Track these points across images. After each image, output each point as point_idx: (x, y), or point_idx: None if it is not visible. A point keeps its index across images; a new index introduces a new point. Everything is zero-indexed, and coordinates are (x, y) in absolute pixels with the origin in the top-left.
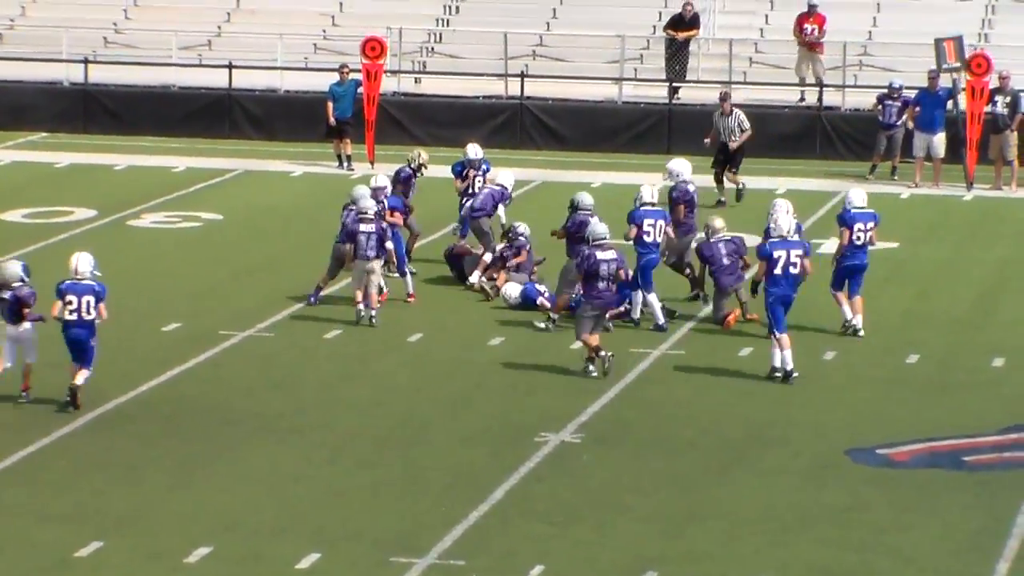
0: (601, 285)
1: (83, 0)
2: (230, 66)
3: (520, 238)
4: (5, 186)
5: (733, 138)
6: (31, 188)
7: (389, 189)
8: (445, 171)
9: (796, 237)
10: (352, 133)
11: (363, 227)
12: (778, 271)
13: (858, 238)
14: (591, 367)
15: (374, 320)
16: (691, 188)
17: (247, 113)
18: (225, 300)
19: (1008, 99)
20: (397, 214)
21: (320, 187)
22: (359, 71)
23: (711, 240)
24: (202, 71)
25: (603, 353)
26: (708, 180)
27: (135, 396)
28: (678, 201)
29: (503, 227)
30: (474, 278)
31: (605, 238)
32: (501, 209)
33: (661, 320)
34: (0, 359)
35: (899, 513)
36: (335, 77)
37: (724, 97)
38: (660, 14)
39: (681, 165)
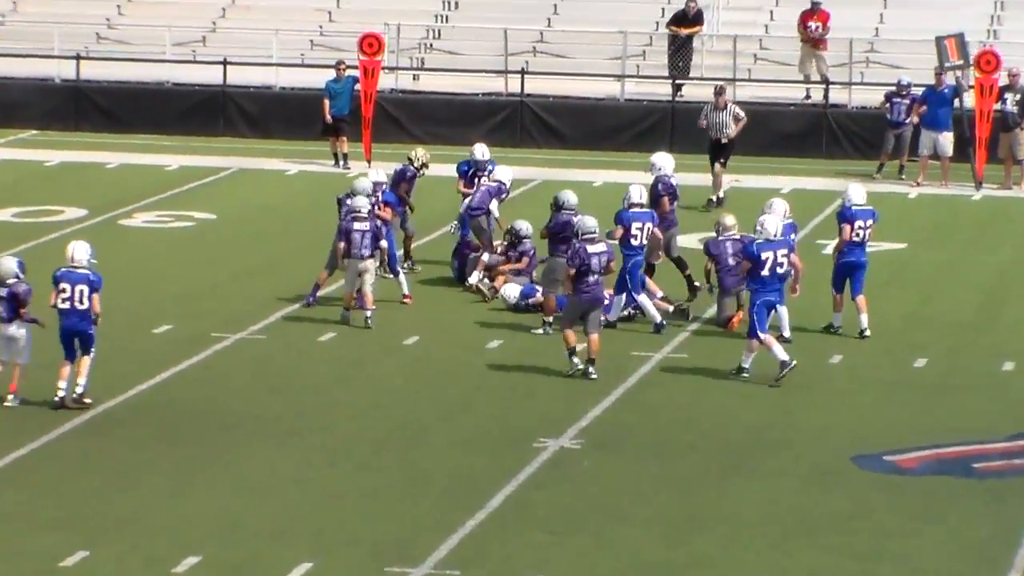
0: (591, 279)
1: None
2: (225, 62)
3: (525, 242)
4: None
5: (726, 133)
6: (21, 187)
7: (387, 185)
8: (443, 170)
9: (781, 236)
10: (349, 131)
11: (357, 225)
12: (766, 272)
13: (857, 235)
14: (575, 360)
15: (370, 321)
16: (674, 181)
17: (242, 110)
18: (218, 302)
19: (1018, 96)
20: (388, 209)
21: (316, 186)
22: (356, 68)
23: (720, 238)
24: (196, 68)
25: (591, 369)
26: (694, 179)
27: (127, 399)
28: (662, 194)
29: (505, 231)
30: (473, 278)
31: (595, 232)
32: (494, 204)
33: (658, 319)
34: None
35: (905, 520)
36: (332, 74)
37: (720, 91)
38: (663, 10)
39: (664, 159)
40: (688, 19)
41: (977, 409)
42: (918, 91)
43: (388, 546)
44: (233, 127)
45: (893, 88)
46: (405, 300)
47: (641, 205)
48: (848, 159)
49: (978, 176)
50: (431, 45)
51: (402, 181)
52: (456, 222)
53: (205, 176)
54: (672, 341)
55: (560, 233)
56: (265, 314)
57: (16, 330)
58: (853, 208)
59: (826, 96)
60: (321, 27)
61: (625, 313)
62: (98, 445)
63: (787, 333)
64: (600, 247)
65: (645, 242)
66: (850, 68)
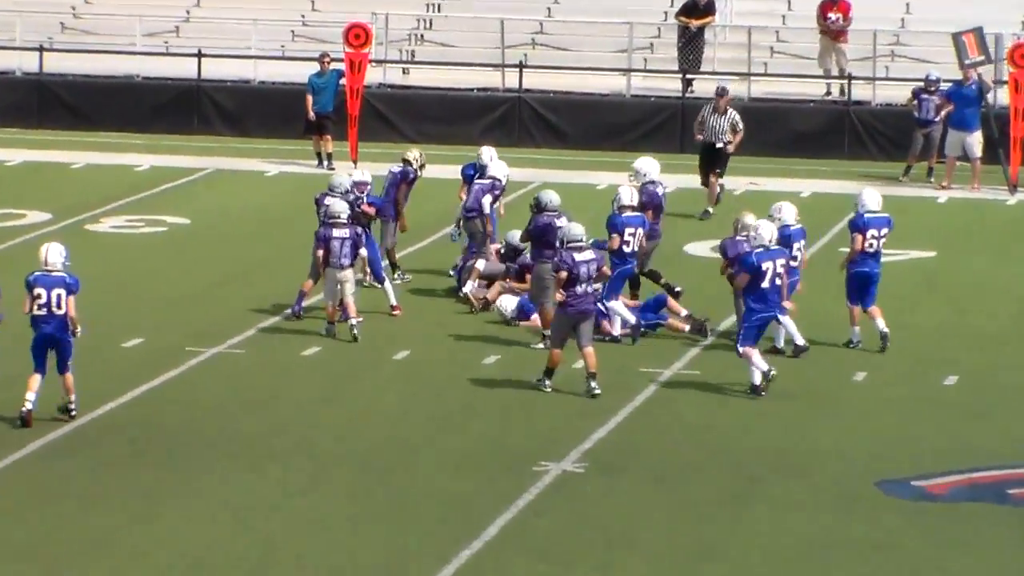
0: (579, 289)
1: None
2: (199, 55)
3: (526, 254)
4: None
5: (723, 139)
6: None
7: (371, 187)
8: (433, 171)
9: (777, 244)
10: (333, 129)
11: (336, 232)
12: (765, 284)
13: (870, 245)
14: (547, 382)
15: (356, 331)
16: (660, 191)
17: (218, 106)
18: (193, 313)
19: None
20: (372, 207)
21: (298, 188)
22: (341, 61)
23: (737, 237)
24: (168, 60)
25: (593, 384)
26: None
27: (95, 418)
28: (646, 206)
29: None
30: (468, 287)
31: (582, 239)
32: (487, 201)
33: (631, 319)
34: None
35: (936, 550)
36: (315, 67)
37: (721, 92)
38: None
39: (649, 164)
40: (699, 9)
41: (1012, 430)
42: (948, 86)
43: None
44: (208, 124)
45: (921, 84)
46: (394, 312)
47: (633, 208)
48: (872, 160)
49: (1012, 179)
50: (422, 36)
51: (403, 183)
52: (456, 228)
53: (178, 177)
54: (683, 357)
55: (542, 236)
56: (244, 326)
57: None
58: (867, 216)
59: (848, 92)
60: (303, 16)
61: (628, 330)
62: (64, 467)
63: (800, 340)
64: (588, 255)
65: (637, 249)
66: (874, 62)
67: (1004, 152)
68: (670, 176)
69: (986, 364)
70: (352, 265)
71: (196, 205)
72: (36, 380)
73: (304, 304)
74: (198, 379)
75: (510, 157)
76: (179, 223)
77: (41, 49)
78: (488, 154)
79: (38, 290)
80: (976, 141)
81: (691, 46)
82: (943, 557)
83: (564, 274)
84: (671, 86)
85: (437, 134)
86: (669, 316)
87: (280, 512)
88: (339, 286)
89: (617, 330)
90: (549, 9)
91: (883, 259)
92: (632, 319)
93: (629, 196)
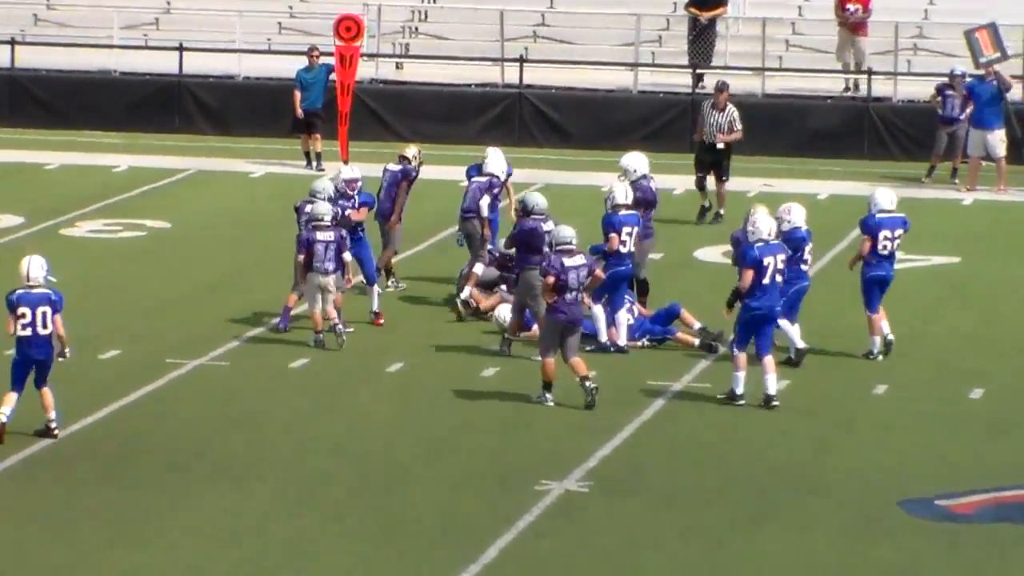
0: (569, 296)
1: None
2: (180, 48)
3: None
4: None
5: (720, 137)
6: None
7: (361, 183)
8: (431, 172)
9: (776, 239)
10: (323, 127)
11: (320, 235)
12: (767, 280)
13: (884, 247)
14: (547, 396)
15: (342, 338)
16: (653, 186)
17: (200, 103)
18: (174, 322)
19: None
20: (363, 210)
21: (285, 190)
22: (331, 55)
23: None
24: (148, 54)
25: (588, 384)
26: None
27: (68, 435)
28: (640, 203)
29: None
30: (464, 295)
31: (571, 243)
32: (485, 202)
33: (603, 338)
34: None
35: (961, 574)
36: (303, 62)
37: (722, 88)
38: None
39: (639, 160)
40: (710, 0)
41: None
42: (970, 81)
43: None
44: (190, 122)
45: (945, 79)
46: (377, 321)
47: (627, 206)
48: (893, 160)
49: None
50: (416, 29)
51: (404, 181)
52: (459, 232)
53: (158, 179)
54: (693, 369)
55: (527, 241)
56: (227, 337)
57: None
58: (879, 216)
59: (868, 88)
60: (291, 8)
61: (640, 344)
62: (34, 487)
63: (800, 344)
64: (578, 260)
65: (633, 249)
66: (895, 56)
67: None
68: (680, 177)
69: (1014, 376)
70: (336, 270)
71: (177, 208)
72: (12, 397)
73: (291, 316)
74: (179, 393)
75: (509, 157)
76: (159, 227)
77: (13, 43)
78: (494, 158)
79: (22, 309)
80: (998, 140)
81: (702, 39)
82: None
83: (551, 279)
84: (680, 81)
85: (433, 133)
86: (678, 329)
87: (266, 535)
88: (322, 293)
89: (624, 339)
90: (551, 0)
91: (905, 265)
92: (604, 338)
93: (624, 193)
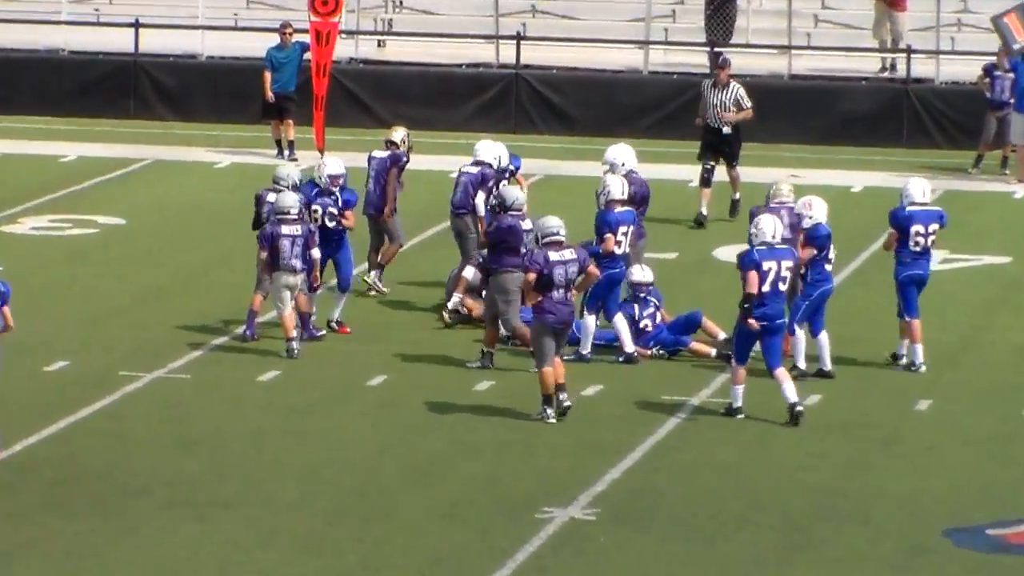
0: (557, 295)
1: None
2: (136, 24)
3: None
4: None
5: (726, 120)
6: None
7: (346, 178)
8: (417, 162)
9: (781, 242)
10: (296, 112)
11: (285, 229)
12: (766, 287)
13: (916, 244)
14: (548, 411)
15: (296, 349)
16: (643, 179)
17: (158, 86)
18: (128, 330)
19: None
20: (349, 214)
21: (253, 182)
22: (306, 32)
23: (771, 204)
24: (100, 31)
25: (563, 396)
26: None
27: (9, 458)
28: (634, 199)
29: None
30: (454, 301)
31: (558, 233)
32: (480, 199)
33: (586, 350)
34: None
35: None
36: (274, 40)
37: (723, 63)
38: None
39: (627, 152)
40: None
41: None
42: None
43: None
44: (147, 107)
45: (993, 59)
46: (338, 329)
47: (623, 202)
48: (936, 148)
49: None
50: (401, 3)
51: (394, 168)
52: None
53: (112, 169)
54: (711, 383)
55: (505, 240)
56: (188, 346)
57: None
58: (910, 209)
59: (907, 68)
60: None
61: (650, 353)
62: None
63: (802, 364)
64: (567, 254)
65: (628, 250)
66: (937, 32)
67: None
68: (697, 168)
69: None
70: (304, 269)
71: (133, 202)
72: None
73: (259, 321)
74: (134, 410)
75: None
76: (112, 223)
77: None
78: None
79: None
80: None
81: (720, 14)
82: None
83: (533, 275)
84: (697, 61)
85: (418, 118)
86: (691, 340)
87: (231, 571)
88: (287, 292)
89: (630, 347)
90: None
91: (950, 266)
92: (587, 350)
93: (620, 188)
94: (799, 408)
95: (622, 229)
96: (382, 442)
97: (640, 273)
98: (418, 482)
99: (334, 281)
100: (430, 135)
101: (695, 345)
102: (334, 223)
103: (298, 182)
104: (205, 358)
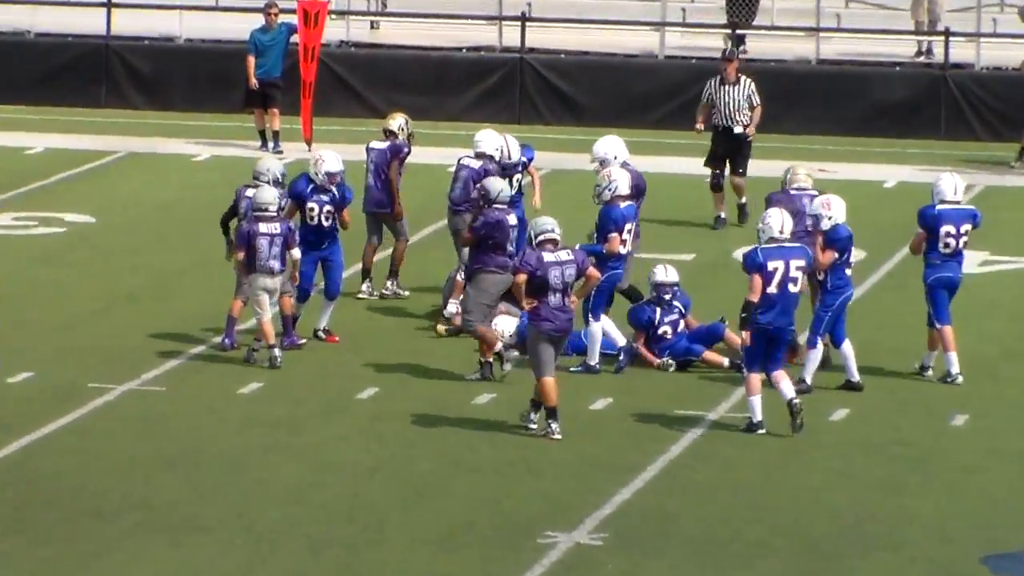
0: (554, 300)
1: None
2: (108, 4)
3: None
4: None
5: (739, 120)
6: None
7: (343, 174)
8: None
9: (791, 240)
10: (281, 100)
11: (264, 227)
12: (773, 289)
13: (946, 245)
14: (533, 417)
15: (279, 357)
16: (639, 171)
17: (132, 71)
18: (98, 338)
19: None
20: (347, 212)
21: (234, 176)
22: (293, 12)
23: (790, 190)
24: (69, 12)
25: (534, 416)
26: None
27: None
28: (633, 193)
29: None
30: (450, 309)
31: (552, 232)
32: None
33: (594, 360)
34: None
35: None
36: (258, 21)
37: (730, 56)
38: None
39: (617, 145)
40: None
41: None
42: None
43: None
44: (120, 95)
45: None
46: (326, 338)
47: (625, 198)
48: (975, 140)
49: None
50: None
51: (395, 160)
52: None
53: (81, 163)
54: (731, 396)
55: (490, 236)
56: (163, 356)
57: None
58: (940, 208)
59: (945, 53)
60: None
61: (658, 363)
62: None
63: (808, 379)
64: (563, 255)
65: (630, 249)
66: (978, 14)
67: None
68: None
69: None
70: (283, 270)
71: (104, 199)
72: None
73: (239, 329)
74: (104, 425)
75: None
76: (82, 222)
77: None
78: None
79: None
80: None
81: None
82: None
83: (522, 277)
84: (717, 44)
85: (414, 107)
86: (704, 350)
87: None
88: (264, 296)
89: (594, 359)
90: None
91: (990, 268)
92: (595, 360)
93: (627, 182)
94: (796, 402)
95: (627, 226)
96: (373, 461)
97: (663, 273)
98: (411, 504)
99: (322, 284)
100: (427, 125)
101: (708, 354)
102: (330, 222)
103: (280, 176)
104: (181, 369)
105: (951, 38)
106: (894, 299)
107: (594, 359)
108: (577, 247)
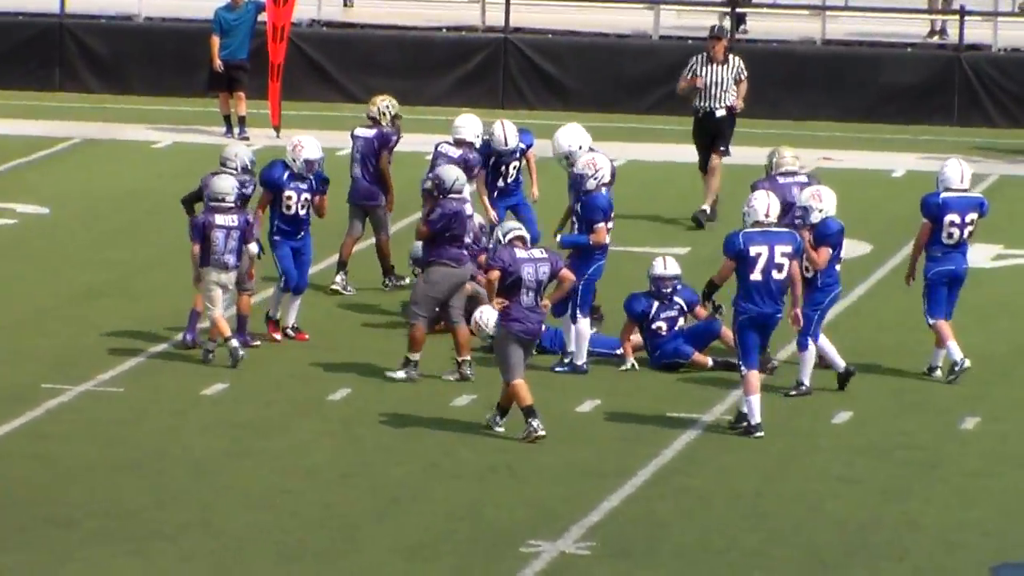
0: (526, 300)
1: None
2: None
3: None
4: None
5: (725, 101)
6: None
7: (322, 161)
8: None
9: (777, 225)
10: (248, 84)
11: (220, 219)
12: (756, 276)
13: (950, 235)
14: (499, 420)
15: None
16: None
17: (88, 52)
18: (52, 337)
19: None
20: (324, 200)
21: (198, 164)
22: None
23: (775, 173)
24: None
25: (533, 423)
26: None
27: None
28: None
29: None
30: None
31: (520, 229)
32: (466, 191)
33: (581, 360)
34: None
35: None
36: None
37: (718, 34)
38: None
39: (579, 134)
40: None
41: None
42: None
43: None
44: (75, 77)
45: None
46: (295, 335)
47: (608, 185)
48: (991, 127)
49: None
50: None
51: (383, 150)
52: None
53: (34, 150)
54: (725, 398)
55: (447, 229)
56: (121, 355)
57: None
58: (944, 196)
59: (960, 33)
60: None
61: (631, 356)
62: None
63: (807, 380)
64: (537, 253)
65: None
66: None
67: None
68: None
69: None
70: (238, 265)
71: (58, 188)
72: None
73: (201, 327)
74: (60, 428)
75: (491, 123)
76: (34, 213)
77: None
78: (501, 130)
79: None
80: None
81: None
82: None
83: (495, 273)
84: (715, 24)
85: (391, 90)
86: (695, 353)
87: None
88: (217, 291)
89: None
90: None
91: (1004, 263)
92: (583, 360)
93: (611, 170)
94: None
95: (611, 215)
96: (345, 466)
97: (662, 266)
98: (386, 512)
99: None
100: (404, 110)
101: (696, 356)
102: (305, 211)
103: (249, 163)
104: (141, 368)
105: (966, 17)
106: (901, 296)
107: (581, 358)
108: (559, 238)
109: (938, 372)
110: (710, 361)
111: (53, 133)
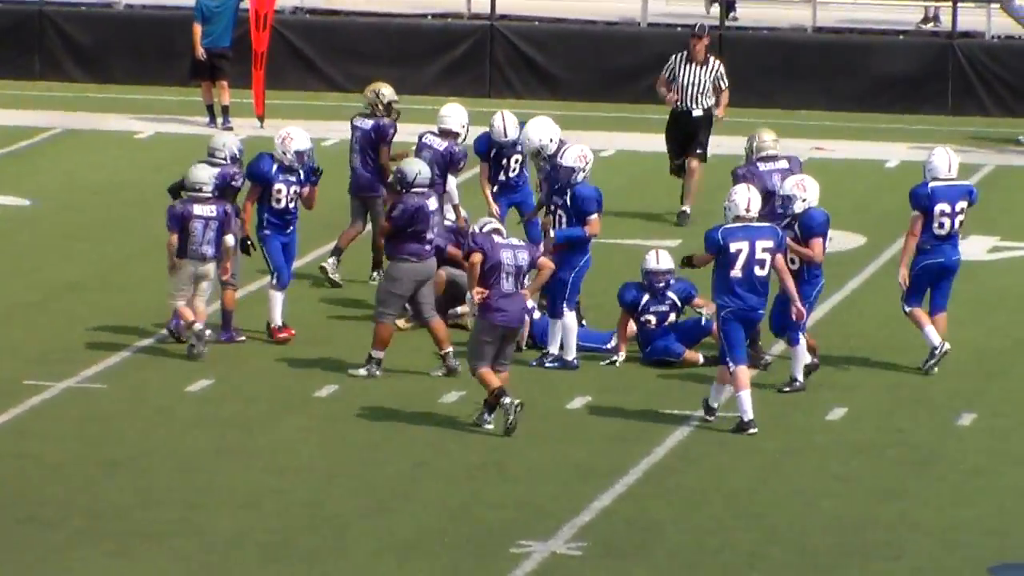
0: (506, 286)
1: None
2: None
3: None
4: None
5: (703, 103)
6: None
7: (311, 152)
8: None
9: (759, 219)
10: (231, 72)
11: (198, 210)
12: (736, 272)
13: (940, 225)
14: (487, 417)
15: (202, 348)
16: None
17: (68, 41)
18: (34, 332)
19: None
20: (315, 191)
21: (180, 155)
22: None
23: (755, 159)
24: None
25: (507, 400)
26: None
27: None
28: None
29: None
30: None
31: (495, 222)
32: (452, 183)
33: (571, 355)
34: None
35: None
36: None
37: (699, 33)
38: None
39: (548, 127)
40: None
41: None
42: None
43: None
44: (55, 66)
45: None
46: (279, 335)
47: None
48: (985, 116)
49: None
50: None
51: (381, 143)
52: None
53: (13, 141)
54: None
55: (410, 225)
56: (105, 350)
57: None
58: (933, 186)
59: (953, 20)
60: None
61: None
62: None
63: (800, 376)
64: (515, 241)
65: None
66: None
67: None
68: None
69: None
70: (217, 256)
71: (38, 180)
72: None
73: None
74: (41, 425)
75: (478, 112)
76: (15, 205)
77: None
78: (506, 123)
79: None
80: None
81: None
82: None
83: (477, 257)
84: (703, 12)
85: (375, 79)
86: (686, 351)
87: None
88: (188, 285)
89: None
90: None
91: (999, 256)
92: (572, 356)
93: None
94: (709, 418)
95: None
96: (332, 464)
97: (654, 260)
98: (374, 511)
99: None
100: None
101: (687, 354)
102: (295, 204)
103: (237, 153)
104: (125, 364)
105: (959, 4)
106: (896, 289)
107: (571, 353)
108: (552, 233)
109: (936, 369)
110: (701, 358)
111: (33, 123)
